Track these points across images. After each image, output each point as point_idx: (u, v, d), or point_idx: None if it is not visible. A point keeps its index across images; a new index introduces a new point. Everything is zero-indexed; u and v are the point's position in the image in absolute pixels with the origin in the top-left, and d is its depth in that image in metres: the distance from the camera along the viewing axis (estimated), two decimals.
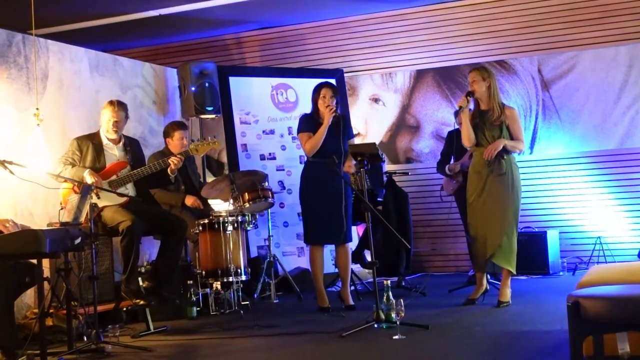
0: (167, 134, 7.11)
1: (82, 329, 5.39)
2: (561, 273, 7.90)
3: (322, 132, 6.16)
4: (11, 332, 4.67)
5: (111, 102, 6.06)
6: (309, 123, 6.27)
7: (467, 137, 6.00)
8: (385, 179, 7.67)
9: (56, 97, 6.77)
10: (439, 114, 8.80)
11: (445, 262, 8.73)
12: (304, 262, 7.95)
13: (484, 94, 5.98)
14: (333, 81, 8.51)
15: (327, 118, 6.15)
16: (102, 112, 6.07)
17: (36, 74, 6.52)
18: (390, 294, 5.13)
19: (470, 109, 6.07)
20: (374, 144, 5.99)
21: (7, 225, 4.80)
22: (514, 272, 5.97)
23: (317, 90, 6.31)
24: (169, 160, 5.98)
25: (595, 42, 8.21)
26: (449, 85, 8.75)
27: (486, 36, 8.61)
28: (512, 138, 5.96)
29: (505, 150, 5.93)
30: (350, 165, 6.19)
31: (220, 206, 6.90)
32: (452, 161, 7.26)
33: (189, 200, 6.90)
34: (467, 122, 5.98)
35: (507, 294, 5.97)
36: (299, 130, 6.34)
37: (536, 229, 8.08)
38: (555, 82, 8.36)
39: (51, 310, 5.48)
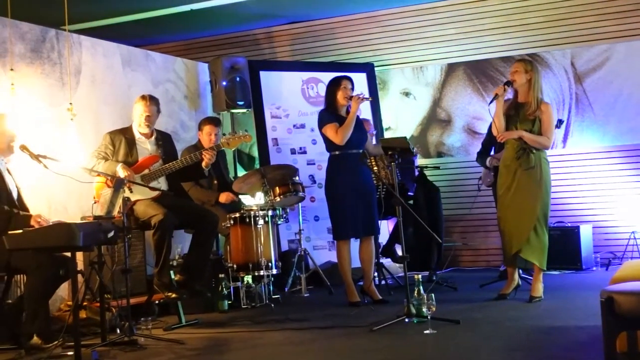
0: (199, 127, 7.22)
1: (115, 321, 5.46)
2: (594, 268, 7.83)
3: (352, 119, 6.14)
4: (46, 323, 4.74)
5: (143, 97, 6.10)
6: (331, 115, 6.26)
7: (498, 127, 5.96)
8: (416, 173, 7.64)
9: (89, 92, 6.84)
10: (471, 108, 8.74)
11: (476, 256, 8.68)
12: (334, 256, 7.94)
13: (524, 86, 5.91)
14: (363, 75, 8.56)
15: (356, 105, 6.13)
16: (135, 107, 6.12)
17: (69, 69, 6.59)
18: (421, 288, 5.11)
19: (509, 99, 6.04)
20: (405, 138, 5.97)
21: (39, 220, 4.87)
22: (543, 268, 5.92)
23: (336, 83, 6.30)
24: (202, 155, 6.00)
25: (629, 35, 8.09)
26: (480, 79, 8.69)
27: (518, 29, 8.53)
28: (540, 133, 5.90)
29: (535, 147, 5.87)
30: None
31: (251, 200, 6.94)
32: (492, 152, 7.18)
33: (223, 197, 6.95)
34: (500, 111, 5.93)
35: (539, 289, 5.92)
36: (324, 123, 6.24)
37: (569, 224, 8.00)
38: (589, 75, 8.26)
39: (85, 303, 5.55)
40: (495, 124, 5.96)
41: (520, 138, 5.87)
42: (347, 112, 6.24)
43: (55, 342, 4.62)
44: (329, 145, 6.28)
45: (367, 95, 6.29)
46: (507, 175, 5.98)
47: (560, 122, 7.49)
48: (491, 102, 5.97)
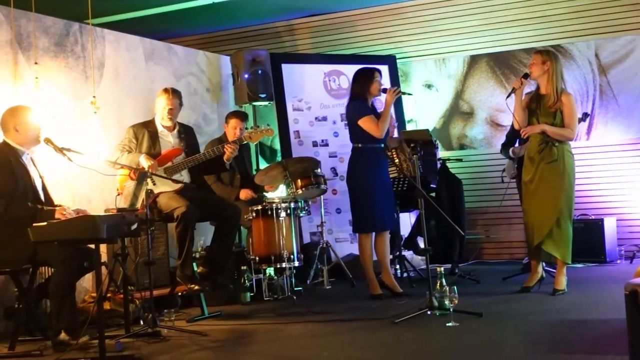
0: (225, 120, 7.29)
1: (139, 313, 5.50)
2: (618, 261, 7.76)
3: (388, 112, 6.17)
4: (73, 315, 4.78)
5: (166, 90, 6.13)
6: (367, 107, 6.27)
7: (518, 120, 5.92)
8: (438, 165, 7.62)
9: (112, 85, 6.87)
10: (493, 100, 8.69)
11: (499, 249, 8.64)
12: (356, 249, 7.94)
13: (543, 78, 5.85)
14: (385, 67, 8.54)
15: (391, 98, 6.14)
16: (157, 100, 6.15)
17: (93, 62, 6.63)
18: (444, 281, 5.10)
19: (531, 91, 6.00)
20: (427, 130, 5.96)
21: (64, 212, 4.91)
22: (567, 261, 5.87)
23: (369, 75, 6.29)
24: (224, 148, 6.02)
25: None
26: (503, 71, 8.63)
27: (541, 20, 8.46)
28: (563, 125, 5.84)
29: (556, 139, 5.82)
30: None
31: (272, 194, 6.96)
32: (517, 144, 7.13)
33: (243, 194, 6.99)
34: (519, 105, 5.89)
35: (562, 282, 5.89)
36: (361, 115, 6.20)
37: (593, 217, 7.94)
38: (613, 67, 8.18)
39: (109, 295, 5.60)
40: (515, 118, 5.93)
41: (543, 131, 5.82)
42: (373, 104, 6.26)
43: (83, 338, 4.63)
44: (359, 137, 6.26)
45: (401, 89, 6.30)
46: (530, 167, 5.94)
47: (585, 115, 7.42)
48: (508, 96, 5.94)
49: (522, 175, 6.07)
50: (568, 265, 5.94)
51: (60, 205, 5.07)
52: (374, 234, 6.31)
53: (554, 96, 5.80)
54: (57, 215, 4.87)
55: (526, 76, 5.90)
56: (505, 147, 7.26)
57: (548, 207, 5.83)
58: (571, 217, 5.91)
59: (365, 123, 6.18)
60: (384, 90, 6.18)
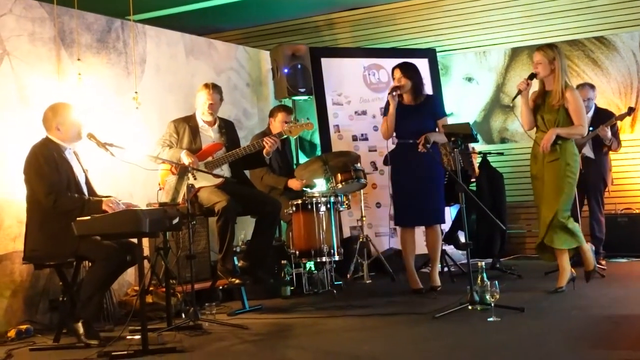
0: (271, 114, 7.29)
1: (181, 306, 5.55)
2: None
3: (391, 114, 6.21)
4: (97, 310, 4.87)
5: (206, 85, 6.16)
6: (387, 106, 6.31)
7: (525, 122, 5.85)
8: (479, 159, 7.56)
9: (153, 81, 6.94)
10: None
11: None
12: (396, 243, 7.93)
13: (549, 76, 5.73)
14: (425, 61, 8.47)
15: (391, 102, 6.19)
16: (198, 95, 6.19)
17: (134, 58, 6.70)
18: (485, 275, 5.06)
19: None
20: (468, 124, 5.90)
21: (111, 204, 4.97)
22: (583, 244, 5.75)
23: (391, 74, 6.39)
24: (264, 142, 6.04)
25: None
26: None
27: (584, 11, 8.33)
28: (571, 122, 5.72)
29: (560, 137, 5.71)
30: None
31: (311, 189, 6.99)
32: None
33: (294, 184, 7.00)
34: (526, 106, 5.81)
35: (589, 260, 5.81)
36: (382, 115, 6.44)
37: (637, 210, 7.81)
38: None
39: (151, 288, 5.65)
40: (522, 119, 5.84)
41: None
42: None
43: (95, 342, 4.69)
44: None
45: (401, 84, 6.24)
46: (535, 165, 5.88)
47: (630, 109, 7.29)
48: (514, 98, 5.85)
49: (530, 172, 5.98)
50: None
51: (108, 197, 5.12)
52: (417, 227, 6.37)
53: (559, 94, 5.67)
54: (104, 207, 4.92)
55: (532, 77, 5.77)
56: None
57: (548, 206, 5.72)
58: (568, 213, 5.75)
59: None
60: (394, 89, 6.21)
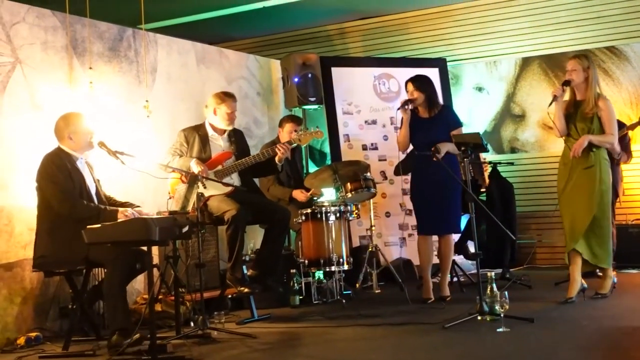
0: (280, 124, 7.34)
1: (189, 314, 5.55)
2: None
3: (403, 127, 6.29)
4: (126, 316, 4.84)
5: (228, 94, 6.14)
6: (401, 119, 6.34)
7: (559, 129, 5.84)
8: (490, 169, 7.55)
9: (164, 89, 6.96)
10: (546, 103, 8.49)
11: (552, 254, 8.50)
12: (405, 253, 7.92)
13: (582, 84, 5.77)
14: (436, 70, 8.48)
15: (403, 116, 6.24)
16: (221, 105, 6.08)
17: (146, 67, 6.73)
18: (494, 285, 5.03)
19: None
20: (478, 133, 5.90)
21: (127, 214, 4.99)
22: (605, 266, 5.76)
23: (405, 86, 6.41)
24: (276, 149, 6.05)
25: None
26: (556, 73, 8.50)
27: (595, 21, 8.32)
28: (602, 130, 5.74)
29: (593, 145, 5.72)
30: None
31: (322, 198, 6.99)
32: None
33: (297, 195, 7.02)
34: (560, 113, 5.81)
35: (606, 285, 5.81)
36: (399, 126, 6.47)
37: None
38: None
39: (160, 296, 5.66)
40: (556, 126, 5.84)
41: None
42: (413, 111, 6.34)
43: (133, 337, 4.66)
44: None
45: (414, 97, 6.26)
46: (565, 172, 5.86)
47: None
48: (550, 104, 5.84)
49: (557, 180, 5.96)
50: (622, 269, 5.82)
51: (125, 203, 5.14)
52: (434, 237, 6.42)
53: (592, 102, 5.70)
54: (119, 217, 4.94)
55: (567, 83, 5.79)
56: None
57: (583, 213, 5.71)
58: (608, 224, 5.79)
59: None
60: (405, 103, 6.23)
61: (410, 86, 6.28)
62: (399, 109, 6.22)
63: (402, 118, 6.24)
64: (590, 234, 5.71)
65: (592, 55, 8.25)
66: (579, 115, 5.78)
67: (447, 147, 6.08)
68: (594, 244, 5.73)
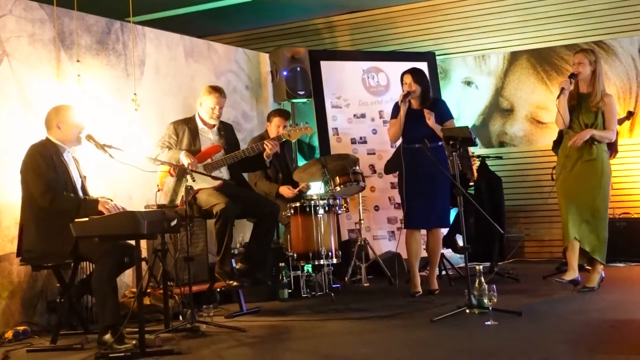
0: (268, 118, 7.31)
1: (178, 308, 5.54)
2: None
3: (400, 118, 6.22)
4: (116, 310, 4.80)
5: (216, 89, 6.11)
6: (396, 110, 6.31)
7: (562, 120, 5.88)
8: (478, 163, 7.56)
9: (153, 82, 6.94)
10: (534, 97, 8.60)
11: (539, 247, 8.55)
12: (394, 246, 7.93)
13: (588, 78, 5.86)
14: (425, 64, 8.47)
15: (402, 107, 6.20)
16: (205, 98, 6.09)
17: (134, 60, 6.70)
18: (482, 279, 5.05)
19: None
20: (467, 127, 5.91)
21: (108, 206, 4.96)
22: (600, 259, 5.85)
23: (401, 78, 6.36)
24: (264, 145, 6.04)
25: None
26: (544, 67, 8.54)
27: (583, 16, 8.35)
28: (604, 126, 5.82)
29: (595, 139, 5.80)
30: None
31: (310, 191, 6.99)
32: None
33: (283, 191, 7.02)
34: (565, 105, 5.86)
35: (594, 279, 5.88)
36: (390, 117, 6.44)
37: (635, 215, 7.81)
38: None
39: (149, 290, 5.65)
40: (560, 117, 5.88)
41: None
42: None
43: (128, 346, 4.58)
44: None
45: (412, 89, 6.25)
46: (565, 164, 5.93)
47: (630, 113, 7.30)
48: (559, 96, 5.88)
49: (557, 171, 6.03)
50: (604, 265, 5.88)
51: (103, 197, 5.11)
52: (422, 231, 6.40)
53: (599, 96, 5.79)
54: (100, 208, 4.91)
55: (574, 76, 5.86)
56: (558, 145, 7.14)
57: (584, 205, 5.83)
58: (606, 217, 5.88)
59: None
60: (407, 94, 6.22)
61: (409, 78, 6.26)
62: (402, 101, 6.19)
63: (399, 108, 6.22)
64: (589, 224, 5.81)
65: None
66: (583, 108, 5.86)
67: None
68: (592, 234, 5.83)
